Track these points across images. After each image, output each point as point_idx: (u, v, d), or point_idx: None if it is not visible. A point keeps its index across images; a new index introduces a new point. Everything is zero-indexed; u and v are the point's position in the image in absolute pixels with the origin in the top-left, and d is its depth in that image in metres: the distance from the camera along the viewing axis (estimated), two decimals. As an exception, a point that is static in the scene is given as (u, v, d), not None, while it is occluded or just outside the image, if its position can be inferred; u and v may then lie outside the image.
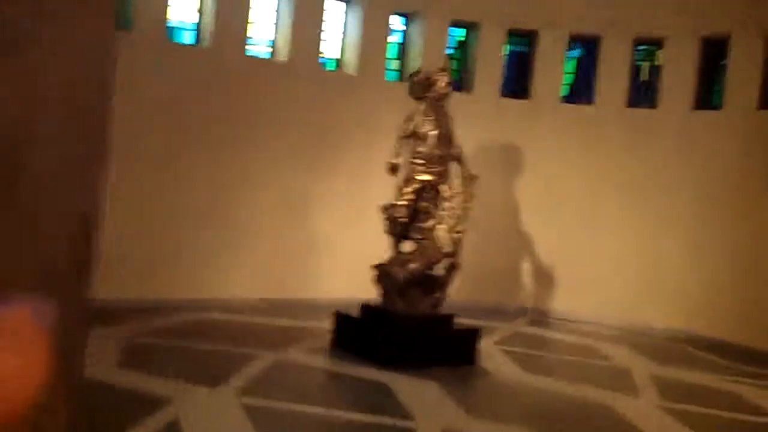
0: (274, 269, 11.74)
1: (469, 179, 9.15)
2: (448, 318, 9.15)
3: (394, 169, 9.01)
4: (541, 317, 13.07)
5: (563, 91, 13.62)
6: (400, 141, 9.08)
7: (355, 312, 9.19)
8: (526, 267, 13.50)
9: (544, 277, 13.34)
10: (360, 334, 9.02)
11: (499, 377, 8.77)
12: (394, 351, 8.52)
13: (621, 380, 9.11)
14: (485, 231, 13.26)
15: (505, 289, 13.40)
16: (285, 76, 11.72)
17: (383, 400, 7.30)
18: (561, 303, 13.18)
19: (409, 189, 8.97)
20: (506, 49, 13.56)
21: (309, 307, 10.99)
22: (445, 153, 9.09)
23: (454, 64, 13.41)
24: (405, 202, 8.95)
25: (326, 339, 9.32)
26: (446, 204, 9.01)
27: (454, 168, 9.26)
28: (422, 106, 9.07)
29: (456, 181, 9.23)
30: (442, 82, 9.06)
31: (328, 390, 7.59)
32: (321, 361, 8.58)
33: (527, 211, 13.39)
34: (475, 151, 12.87)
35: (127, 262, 10.49)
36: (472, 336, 9.21)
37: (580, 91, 13.61)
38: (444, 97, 9.12)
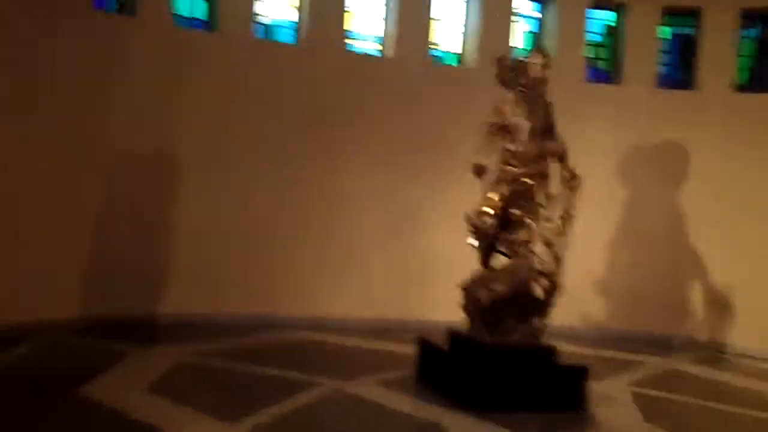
0: (383, 287, 10.70)
1: (571, 181, 7.50)
2: (549, 351, 7.50)
3: (480, 170, 7.57)
4: (714, 352, 10.88)
5: (738, 78, 11.24)
6: (487, 137, 7.64)
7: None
8: (695, 290, 11.33)
9: (719, 304, 11.12)
10: (441, 365, 7.68)
11: (607, 429, 6.98)
12: (475, 389, 7.06)
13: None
14: (642, 248, 11.40)
15: (669, 318, 11.40)
16: (392, 74, 10.67)
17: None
18: (742, 336, 10.95)
19: (497, 194, 7.51)
20: (666, 32, 11.48)
21: (418, 331, 9.72)
22: (541, 150, 7.53)
23: (603, 53, 11.59)
24: (491, 210, 7.50)
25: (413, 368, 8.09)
26: (543, 212, 7.41)
27: (554, 168, 7.66)
28: (512, 96, 7.59)
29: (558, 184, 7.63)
30: (536, 65, 7.53)
31: (365, 433, 6.35)
32: (385, 395, 7.28)
33: (694, 224, 11.27)
34: (626, 151, 11.22)
35: (224, 278, 9.99)
36: (578, 374, 7.48)
37: (760, 77, 11.17)
38: (539, 83, 7.57)
